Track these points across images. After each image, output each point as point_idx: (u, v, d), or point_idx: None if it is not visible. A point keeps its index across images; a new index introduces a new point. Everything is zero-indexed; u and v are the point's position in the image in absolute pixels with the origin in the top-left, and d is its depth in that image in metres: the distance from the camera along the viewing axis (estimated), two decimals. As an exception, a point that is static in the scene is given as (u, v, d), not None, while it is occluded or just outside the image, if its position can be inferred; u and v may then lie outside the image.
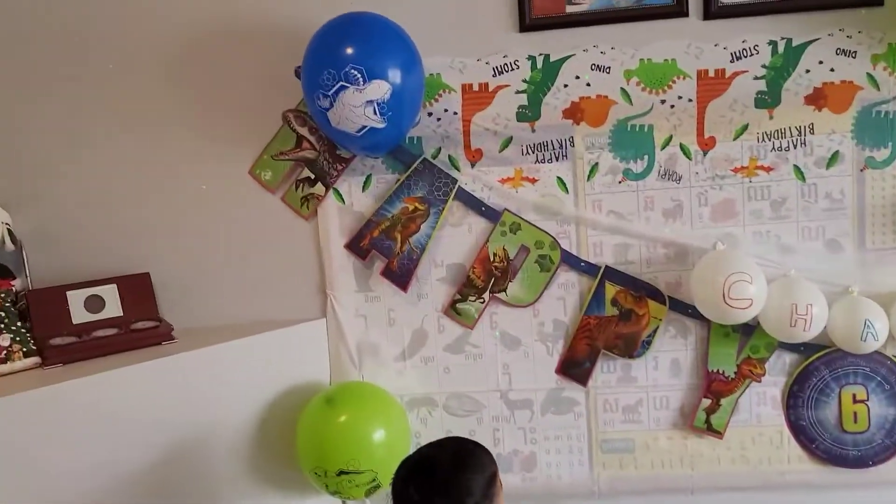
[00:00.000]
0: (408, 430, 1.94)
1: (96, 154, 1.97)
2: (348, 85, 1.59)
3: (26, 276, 1.94)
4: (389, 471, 1.80)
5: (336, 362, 2.00)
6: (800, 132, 1.82)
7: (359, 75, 1.59)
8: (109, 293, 1.88)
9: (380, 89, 1.61)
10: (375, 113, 1.63)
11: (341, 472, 1.74)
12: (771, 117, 1.82)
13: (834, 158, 1.82)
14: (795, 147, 1.82)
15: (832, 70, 1.78)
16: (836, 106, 1.79)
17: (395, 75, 1.64)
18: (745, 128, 1.83)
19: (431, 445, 1.41)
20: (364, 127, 1.66)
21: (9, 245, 1.87)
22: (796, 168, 1.83)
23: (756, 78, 1.80)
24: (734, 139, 1.83)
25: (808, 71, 1.79)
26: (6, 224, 1.88)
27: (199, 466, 1.74)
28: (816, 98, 1.79)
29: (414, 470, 1.34)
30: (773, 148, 1.83)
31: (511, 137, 1.88)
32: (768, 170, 1.84)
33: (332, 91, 1.61)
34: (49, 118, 1.96)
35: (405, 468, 1.36)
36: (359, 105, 1.62)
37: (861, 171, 1.81)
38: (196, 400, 1.74)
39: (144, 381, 1.67)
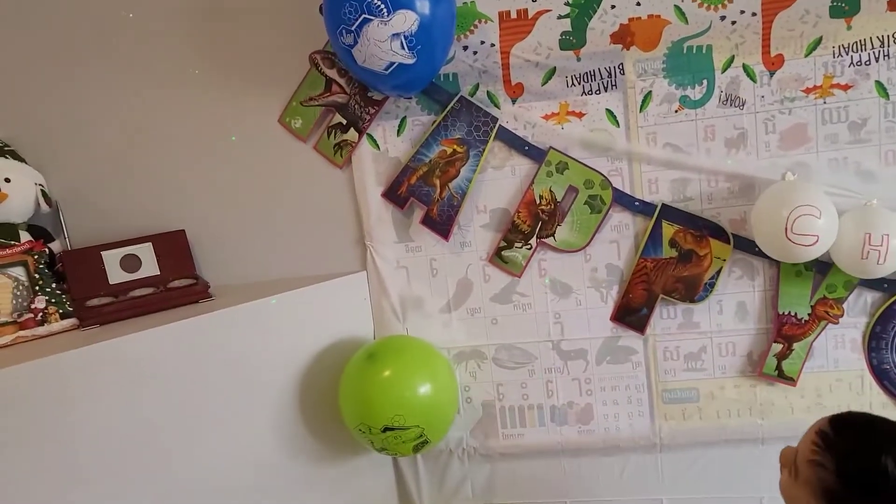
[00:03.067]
0: (455, 383, 1.86)
1: (125, 111, 1.91)
2: (372, 17, 1.47)
3: (65, 238, 1.92)
4: (437, 426, 1.76)
5: (379, 316, 1.93)
6: (882, 43, 1.61)
7: (382, 6, 1.46)
8: (145, 252, 1.84)
9: (406, 20, 1.48)
10: (403, 47, 1.51)
11: (387, 429, 1.67)
12: (849, 27, 1.61)
13: (923, 71, 1.61)
14: (878, 60, 1.62)
15: (921, -33, 1.56)
16: (926, 9, 1.58)
17: (423, 5, 1.50)
18: (819, 41, 1.63)
19: None
20: (392, 64, 1.53)
21: (44, 206, 1.84)
22: (878, 84, 1.63)
23: (831, -17, 1.60)
24: (806, 56, 1.64)
25: (892, -30, 1.57)
26: (40, 185, 1.85)
27: (243, 426, 1.70)
28: (903, 1, 1.58)
29: None
30: (852, 63, 1.63)
31: (554, 68, 1.73)
32: (846, 88, 1.64)
33: (355, 25, 1.48)
34: (75, 78, 1.89)
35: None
36: (384, 39, 1.49)
37: (955, 83, 1.60)
38: (236, 358, 1.70)
39: (182, 339, 1.63)
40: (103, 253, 1.79)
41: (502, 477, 1.97)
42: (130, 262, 1.82)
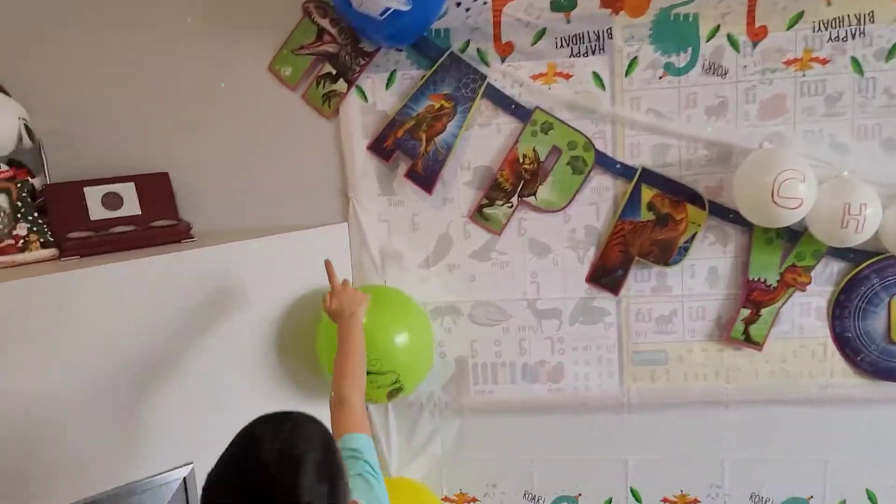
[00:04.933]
0: (431, 335, 1.89)
1: (115, 52, 1.90)
2: (371, -40, 1.49)
3: (45, 175, 1.90)
4: (412, 374, 1.79)
5: (359, 268, 1.94)
6: (859, 21, 1.67)
7: (382, -51, 1.49)
8: (127, 191, 1.83)
9: (404, -34, 1.51)
10: (399, -8, 1.53)
11: (363, 373, 1.70)
12: (829, 4, 1.67)
13: (895, 50, 1.67)
14: (854, 37, 1.68)
15: (899, -52, 1.62)
16: (902, -10, 1.64)
17: (421, -48, 1.53)
18: (800, 16, 1.68)
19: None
20: (388, 9, 1.56)
21: (26, 141, 1.82)
22: (854, 60, 1.69)
23: (814, -41, 1.65)
24: (787, 29, 1.69)
25: (872, -50, 1.63)
26: (23, 120, 1.83)
27: (219, 363, 1.70)
28: (880, -19, 1.64)
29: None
30: (830, 38, 1.69)
31: (544, 29, 1.76)
32: (824, 62, 1.70)
33: (353, -32, 1.50)
34: (66, 16, 1.89)
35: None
36: (382, -17, 1.51)
37: (926, 62, 1.67)
38: (215, 297, 1.70)
39: (162, 273, 1.64)
40: (85, 189, 1.79)
41: (471, 432, 2.00)
42: (112, 200, 1.81)
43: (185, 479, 1.67)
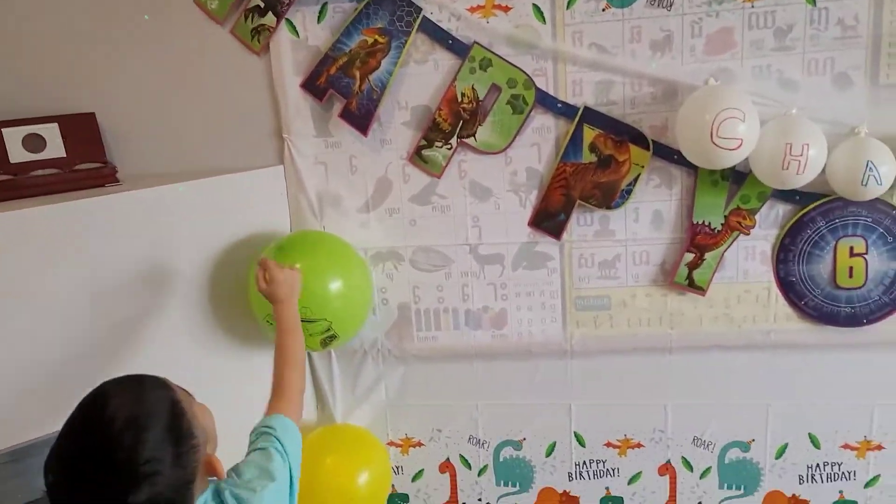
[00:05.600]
0: (369, 281, 1.85)
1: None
2: None
3: (-35, 117, 1.83)
4: (345, 321, 1.75)
5: (296, 212, 1.89)
6: (813, -54, 1.57)
7: None
8: (51, 132, 1.75)
9: None
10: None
11: (293, 321, 1.66)
12: (780, -73, 1.57)
13: (850, -24, 1.57)
14: (807, -37, 1.58)
15: None
16: (858, -89, 1.53)
17: None
18: (750, -59, 1.58)
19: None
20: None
21: (-59, 81, 1.75)
22: (807, -11, 1.60)
23: None
24: (736, -45, 1.59)
25: None
26: (-62, 58, 1.75)
27: (144, 309, 1.66)
28: None
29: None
30: (782, -35, 1.59)
31: (482, -43, 1.66)
32: (774, -8, 1.61)
33: None
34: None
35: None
36: None
37: (881, -9, 1.57)
38: (142, 243, 1.65)
39: (84, 219, 1.57)
40: (4, 130, 1.71)
41: (415, 379, 1.98)
42: (34, 142, 1.74)
43: (113, 426, 1.65)
